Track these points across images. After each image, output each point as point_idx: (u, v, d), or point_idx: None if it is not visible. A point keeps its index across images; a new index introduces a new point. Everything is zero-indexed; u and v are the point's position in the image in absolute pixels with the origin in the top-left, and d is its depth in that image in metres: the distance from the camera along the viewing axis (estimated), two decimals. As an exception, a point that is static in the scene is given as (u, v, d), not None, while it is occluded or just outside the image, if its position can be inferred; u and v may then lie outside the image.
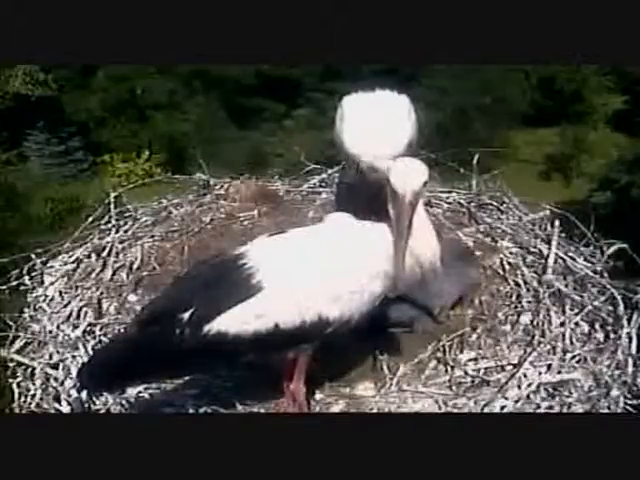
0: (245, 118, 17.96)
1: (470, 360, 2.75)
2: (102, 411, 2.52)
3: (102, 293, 3.22)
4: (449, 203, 3.98)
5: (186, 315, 2.14)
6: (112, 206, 3.81)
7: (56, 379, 2.66)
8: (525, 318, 2.96)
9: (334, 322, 2.22)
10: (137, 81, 18.20)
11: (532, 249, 3.41)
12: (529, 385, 2.53)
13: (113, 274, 3.38)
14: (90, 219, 3.73)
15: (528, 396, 2.50)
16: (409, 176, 2.14)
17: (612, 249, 3.26)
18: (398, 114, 3.23)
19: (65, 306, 3.11)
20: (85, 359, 2.70)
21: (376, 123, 3.17)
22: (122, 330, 2.33)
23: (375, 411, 2.51)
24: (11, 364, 2.79)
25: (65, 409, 2.54)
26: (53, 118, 18.04)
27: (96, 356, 2.48)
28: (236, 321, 2.13)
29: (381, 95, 3.40)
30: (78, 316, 3.05)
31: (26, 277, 3.30)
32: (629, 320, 2.78)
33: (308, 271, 2.20)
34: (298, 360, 2.37)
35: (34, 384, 2.66)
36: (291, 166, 4.72)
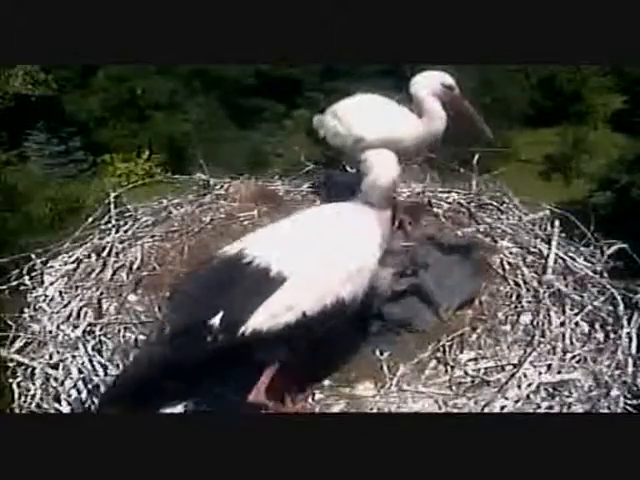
0: (245, 118, 17.97)
1: (470, 360, 2.75)
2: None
3: (102, 293, 3.21)
4: (449, 203, 3.98)
5: (216, 320, 2.07)
6: (112, 206, 3.81)
7: (56, 379, 2.65)
8: (525, 318, 2.96)
9: (349, 303, 2.23)
10: (137, 81, 18.21)
11: (532, 249, 3.41)
12: (529, 385, 2.53)
13: (113, 274, 3.38)
14: (90, 219, 3.73)
15: (528, 396, 2.50)
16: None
17: (612, 249, 3.26)
18: (397, 105, 3.30)
19: (65, 306, 3.11)
20: (85, 359, 2.70)
21: (382, 112, 3.26)
22: (144, 350, 2.20)
23: (375, 411, 2.51)
24: (11, 364, 2.78)
25: (65, 409, 2.54)
26: (53, 118, 18.05)
27: (120, 380, 2.29)
28: (268, 316, 2.09)
29: (370, 96, 3.47)
30: (78, 316, 3.04)
31: (26, 277, 3.30)
32: (629, 320, 2.78)
33: (317, 254, 2.20)
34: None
35: (34, 384, 2.65)
36: (291, 166, 4.72)
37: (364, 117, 3.30)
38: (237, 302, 2.10)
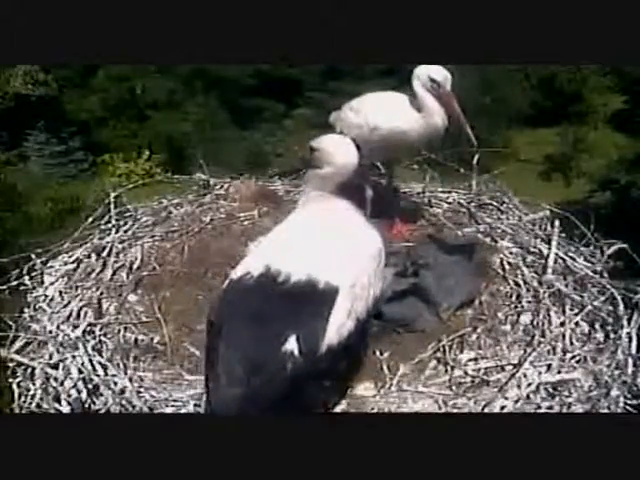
0: (245, 118, 17.93)
1: (470, 360, 2.75)
2: (102, 411, 2.52)
3: (102, 293, 3.22)
4: (449, 203, 4.00)
5: (290, 346, 1.93)
6: (112, 206, 3.81)
7: (56, 379, 2.65)
8: (525, 318, 2.96)
9: (380, 299, 2.22)
10: (137, 81, 18.19)
11: (532, 249, 3.41)
12: (529, 385, 2.53)
13: (113, 274, 3.38)
14: (90, 219, 3.74)
15: (528, 396, 2.50)
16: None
17: (612, 249, 3.26)
18: (404, 99, 3.33)
19: (65, 306, 3.11)
20: (85, 359, 2.70)
21: (391, 104, 3.31)
22: (221, 398, 1.94)
23: (375, 411, 2.51)
24: (11, 364, 2.78)
25: (65, 409, 2.53)
26: (53, 118, 18.00)
27: None
28: (336, 329, 2.01)
29: (384, 92, 3.51)
30: (78, 316, 3.05)
31: (26, 277, 3.30)
32: (629, 320, 2.78)
33: (345, 257, 2.13)
34: None
35: (34, 384, 2.65)
36: (291, 166, 4.73)
37: (378, 108, 3.37)
38: (301, 322, 1.97)
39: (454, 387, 2.62)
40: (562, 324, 2.85)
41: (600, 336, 2.81)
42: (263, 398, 1.91)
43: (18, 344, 2.87)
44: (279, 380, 1.92)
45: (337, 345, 2.00)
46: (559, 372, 2.60)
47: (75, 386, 2.59)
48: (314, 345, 1.95)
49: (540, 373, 2.60)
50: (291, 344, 1.93)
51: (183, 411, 2.53)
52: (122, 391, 2.57)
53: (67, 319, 3.02)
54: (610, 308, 2.90)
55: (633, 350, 2.66)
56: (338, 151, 2.35)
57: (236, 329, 2.01)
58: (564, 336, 2.77)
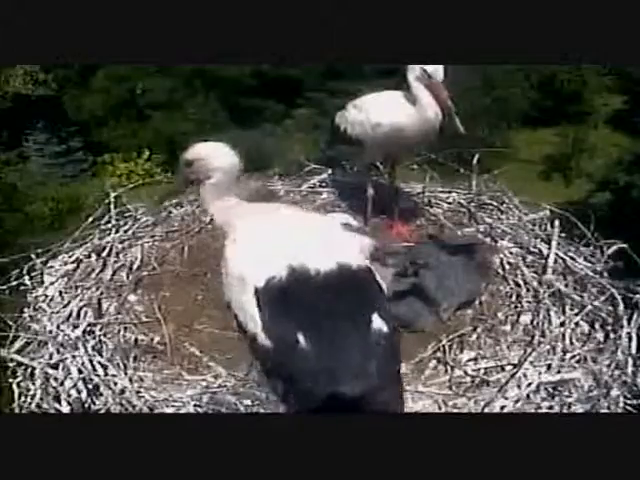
0: (245, 118, 17.93)
1: (470, 360, 2.76)
2: (102, 411, 2.52)
3: (102, 293, 3.22)
4: (449, 203, 4.00)
5: (377, 325, 1.85)
6: (112, 206, 3.81)
7: (56, 379, 2.65)
8: (525, 318, 2.96)
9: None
10: (137, 81, 18.18)
11: (532, 249, 3.41)
12: (529, 385, 2.53)
13: (113, 274, 3.39)
14: (90, 219, 3.74)
15: (528, 396, 2.51)
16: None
17: (612, 249, 3.27)
18: (401, 95, 3.35)
19: (65, 306, 3.11)
20: (85, 359, 2.70)
21: (390, 101, 3.33)
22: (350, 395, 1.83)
23: (375, 411, 2.50)
24: (11, 364, 2.78)
25: (65, 409, 2.54)
26: (53, 118, 18.01)
27: None
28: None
29: (379, 92, 3.54)
30: (78, 316, 3.05)
31: (26, 277, 3.30)
32: (629, 320, 2.79)
33: (350, 244, 2.06)
34: None
35: (34, 384, 2.66)
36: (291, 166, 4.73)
37: (378, 105, 3.42)
38: (370, 301, 1.89)
39: (454, 387, 2.62)
40: (562, 324, 2.86)
41: (600, 336, 2.82)
42: (388, 381, 1.84)
43: (18, 344, 2.87)
44: (389, 358, 1.84)
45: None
46: (559, 372, 2.60)
47: (75, 386, 2.60)
48: (391, 320, 1.90)
49: (540, 373, 2.60)
50: (377, 323, 1.84)
51: (183, 411, 2.53)
52: (122, 391, 2.58)
53: (67, 319, 3.02)
54: (610, 308, 2.91)
55: (633, 350, 2.67)
56: (216, 154, 2.32)
57: (313, 331, 1.82)
58: (564, 336, 2.78)
